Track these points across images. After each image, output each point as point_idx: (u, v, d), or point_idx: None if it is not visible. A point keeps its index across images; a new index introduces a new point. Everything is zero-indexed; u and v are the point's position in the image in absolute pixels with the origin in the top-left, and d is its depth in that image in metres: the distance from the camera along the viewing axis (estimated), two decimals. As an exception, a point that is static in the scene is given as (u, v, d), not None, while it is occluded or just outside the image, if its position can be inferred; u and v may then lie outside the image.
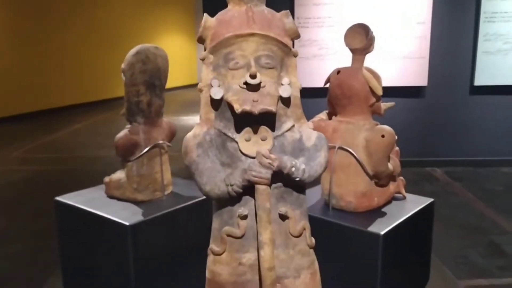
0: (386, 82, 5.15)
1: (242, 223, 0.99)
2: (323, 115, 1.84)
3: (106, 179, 1.83)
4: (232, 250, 1.00)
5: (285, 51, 1.02)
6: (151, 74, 1.74)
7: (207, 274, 1.04)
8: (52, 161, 5.49)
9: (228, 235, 1.00)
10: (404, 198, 1.89)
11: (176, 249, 1.69)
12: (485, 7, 4.54)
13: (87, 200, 1.79)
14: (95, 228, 1.71)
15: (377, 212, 1.74)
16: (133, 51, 1.69)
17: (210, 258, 1.03)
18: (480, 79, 4.66)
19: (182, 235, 1.65)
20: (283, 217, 1.01)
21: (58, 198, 1.80)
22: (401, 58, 4.59)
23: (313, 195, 1.88)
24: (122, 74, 1.69)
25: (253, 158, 0.97)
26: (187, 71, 13.67)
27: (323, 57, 4.58)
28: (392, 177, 1.81)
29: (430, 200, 1.87)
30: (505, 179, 4.53)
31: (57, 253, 2.31)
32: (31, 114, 8.65)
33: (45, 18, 9.15)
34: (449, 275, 2.08)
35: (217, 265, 1.01)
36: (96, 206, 1.73)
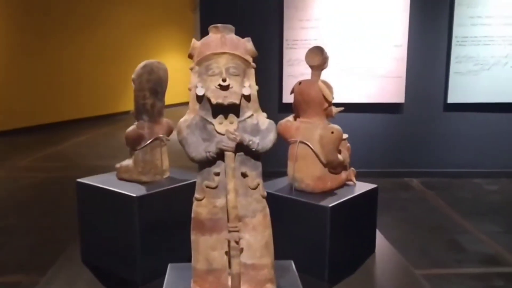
0: (367, 99, 5.74)
1: (216, 178, 1.52)
2: (290, 118, 2.37)
3: (117, 165, 2.37)
4: (209, 197, 1.52)
5: (246, 64, 1.58)
6: (155, 83, 2.29)
7: (192, 214, 1.54)
8: (57, 169, 6.01)
9: (207, 187, 1.52)
10: (354, 184, 2.41)
11: (172, 217, 2.22)
12: (456, 32, 5.04)
13: (102, 181, 2.32)
14: (108, 201, 2.23)
15: (329, 193, 2.22)
16: (141, 64, 2.26)
17: (195, 203, 1.54)
18: (453, 97, 5.16)
19: (176, 207, 2.14)
20: (244, 175, 1.53)
21: (79, 180, 2.35)
22: (381, 77, 5.08)
23: (283, 181, 2.42)
24: (132, 82, 2.25)
25: (223, 134, 1.51)
26: (185, 88, 14.05)
27: (309, 75, 5.12)
28: (343, 167, 2.35)
29: (374, 186, 2.40)
30: (475, 188, 4.97)
31: (64, 245, 2.81)
32: (39, 127, 9.29)
33: (50, 36, 9.72)
34: (395, 251, 2.58)
35: (199, 207, 1.53)
36: (110, 185, 2.24)
